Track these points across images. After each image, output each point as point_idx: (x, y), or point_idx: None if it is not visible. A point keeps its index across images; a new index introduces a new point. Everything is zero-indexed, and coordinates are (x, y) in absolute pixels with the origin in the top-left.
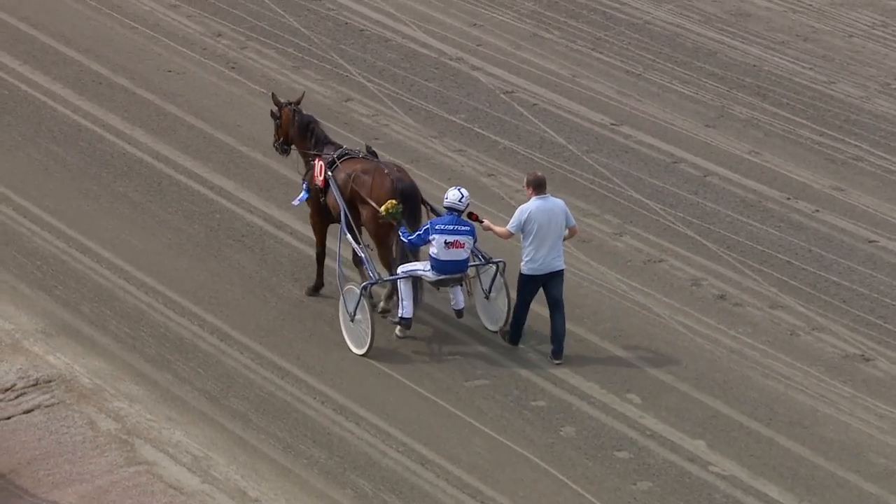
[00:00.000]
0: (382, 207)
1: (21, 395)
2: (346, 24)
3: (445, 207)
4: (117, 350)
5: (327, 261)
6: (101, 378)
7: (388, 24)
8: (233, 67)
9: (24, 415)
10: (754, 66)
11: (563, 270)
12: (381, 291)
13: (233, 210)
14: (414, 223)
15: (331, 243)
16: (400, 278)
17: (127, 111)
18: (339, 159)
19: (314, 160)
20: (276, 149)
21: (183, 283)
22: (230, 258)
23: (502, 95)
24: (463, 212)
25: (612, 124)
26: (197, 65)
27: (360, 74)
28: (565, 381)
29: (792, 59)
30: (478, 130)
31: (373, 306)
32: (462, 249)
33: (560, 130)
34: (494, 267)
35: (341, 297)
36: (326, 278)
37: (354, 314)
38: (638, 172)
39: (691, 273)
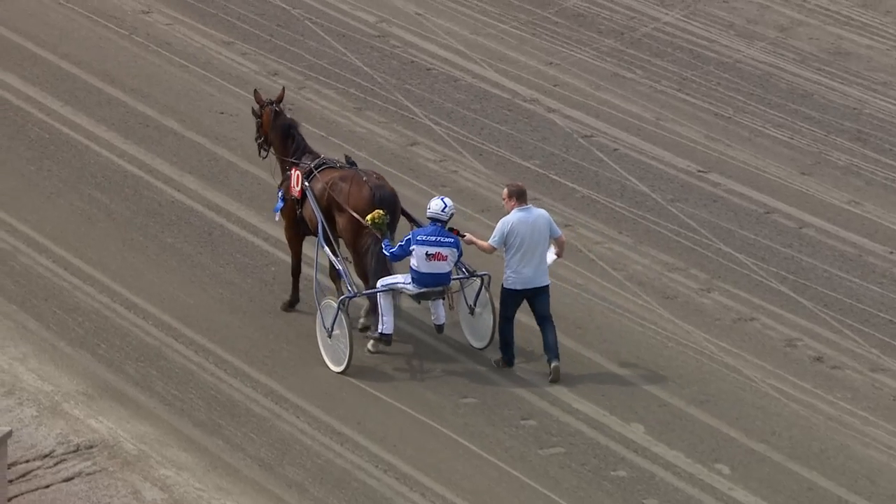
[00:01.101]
0: (368, 217)
1: (61, 461)
2: (412, 62)
3: (428, 218)
4: (164, 413)
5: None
6: (147, 444)
7: (457, 63)
8: (290, 109)
9: (64, 483)
10: (854, 108)
11: (548, 286)
12: (363, 305)
13: (289, 263)
14: (392, 234)
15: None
16: (380, 292)
17: (176, 156)
18: (316, 169)
19: (290, 169)
20: (258, 147)
21: (235, 342)
22: (286, 315)
23: (580, 139)
24: (446, 223)
25: (699, 171)
26: (249, 104)
27: (426, 117)
28: (648, 449)
29: (895, 101)
30: (553, 177)
31: (351, 322)
32: (444, 262)
33: (643, 178)
34: (479, 280)
35: (318, 312)
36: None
37: (332, 330)
38: (727, 223)
39: (785, 333)
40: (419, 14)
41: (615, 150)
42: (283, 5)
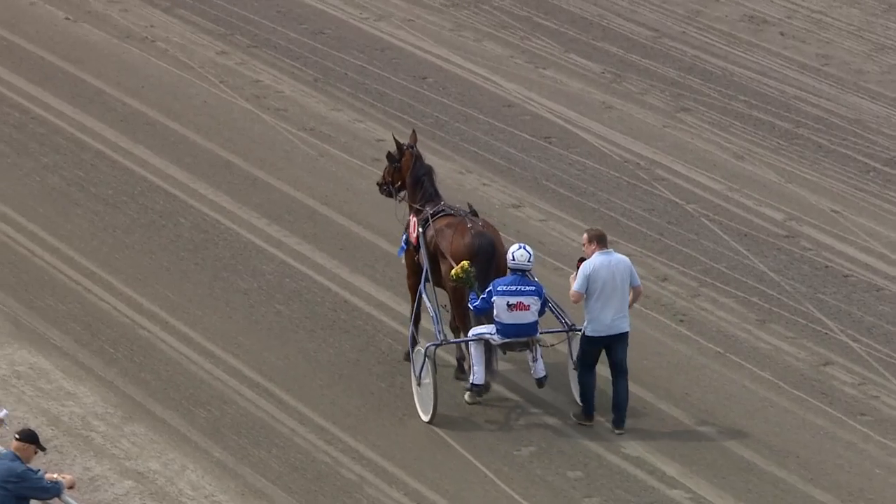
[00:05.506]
0: (452, 271)
1: None
2: (826, 267)
3: (510, 269)
4: None
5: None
6: None
7: (879, 269)
8: (681, 321)
9: None
10: None
11: (627, 333)
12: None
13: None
14: (484, 285)
15: None
16: (469, 341)
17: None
18: (433, 217)
19: (411, 214)
20: (382, 190)
21: None
22: None
23: None
24: (528, 272)
25: None
26: (637, 316)
27: (842, 332)
28: None
29: None
30: None
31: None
32: (527, 312)
33: None
34: (580, 334)
35: (411, 361)
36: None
37: (420, 377)
38: None
39: None
40: (835, 211)
41: None
42: (676, 199)
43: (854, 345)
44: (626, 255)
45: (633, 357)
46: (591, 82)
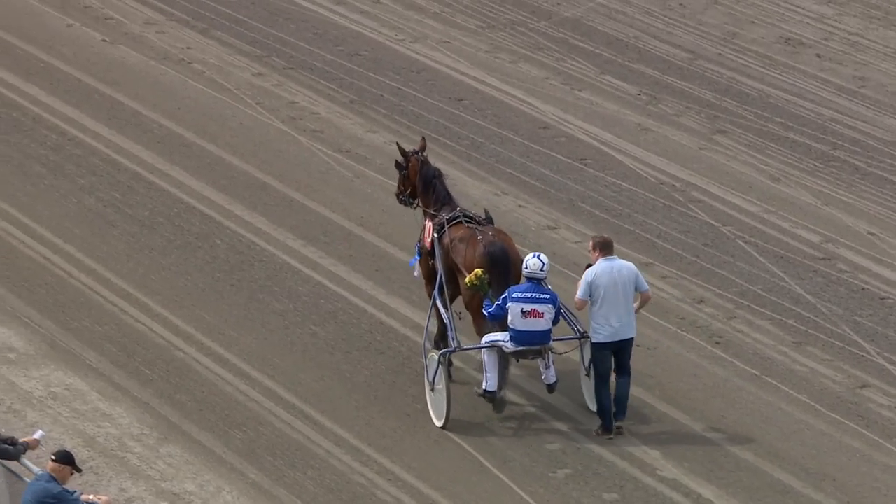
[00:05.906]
0: (467, 278)
1: None
2: (863, 289)
3: (525, 276)
4: None
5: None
6: None
7: None
8: (717, 343)
9: None
10: None
11: (633, 339)
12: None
13: None
14: (500, 291)
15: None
16: (482, 348)
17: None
18: (448, 223)
19: (426, 220)
20: (401, 201)
21: None
22: None
23: None
24: (543, 280)
25: None
26: (673, 338)
27: (879, 354)
28: None
29: None
30: None
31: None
32: (541, 319)
33: None
34: (590, 341)
35: (425, 366)
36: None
37: (434, 383)
38: None
39: None
40: (872, 234)
41: None
42: (711, 221)
43: (891, 367)
44: (662, 277)
45: (670, 379)
46: (626, 104)
